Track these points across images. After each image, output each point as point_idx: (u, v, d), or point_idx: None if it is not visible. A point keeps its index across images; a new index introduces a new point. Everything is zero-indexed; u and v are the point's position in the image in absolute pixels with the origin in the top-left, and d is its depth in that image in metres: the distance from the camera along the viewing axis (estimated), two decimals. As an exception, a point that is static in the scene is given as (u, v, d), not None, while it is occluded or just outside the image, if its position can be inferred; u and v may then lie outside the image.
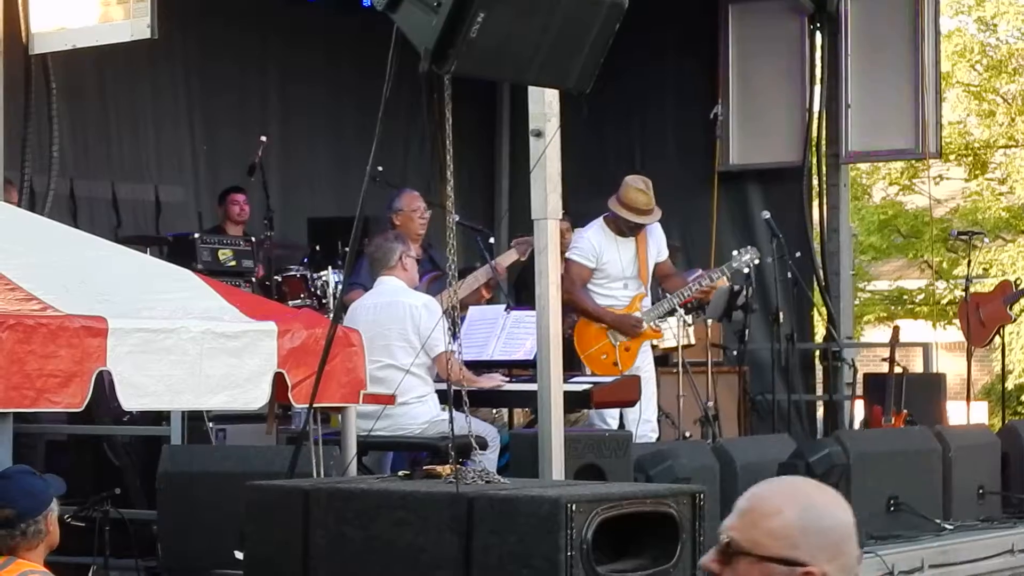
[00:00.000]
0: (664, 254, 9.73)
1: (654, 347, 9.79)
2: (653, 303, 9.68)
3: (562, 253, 10.35)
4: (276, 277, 10.57)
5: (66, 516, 6.75)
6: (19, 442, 7.84)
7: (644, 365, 9.56)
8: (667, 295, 9.70)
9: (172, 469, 7.67)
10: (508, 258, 9.94)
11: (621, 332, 9.49)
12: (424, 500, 5.79)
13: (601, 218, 9.58)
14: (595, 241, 9.50)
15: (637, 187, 9.46)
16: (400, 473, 6.48)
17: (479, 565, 5.56)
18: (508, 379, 8.87)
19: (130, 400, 5.97)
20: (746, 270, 9.97)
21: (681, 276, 9.89)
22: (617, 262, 9.49)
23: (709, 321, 10.64)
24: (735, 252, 10.04)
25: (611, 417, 9.35)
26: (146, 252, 9.29)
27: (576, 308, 9.45)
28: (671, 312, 9.67)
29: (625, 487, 6.43)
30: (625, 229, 9.50)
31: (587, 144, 12.05)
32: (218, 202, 11.42)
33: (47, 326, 5.74)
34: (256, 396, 6.37)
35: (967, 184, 24.87)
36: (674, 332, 9.78)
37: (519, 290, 11.36)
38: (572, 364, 9.17)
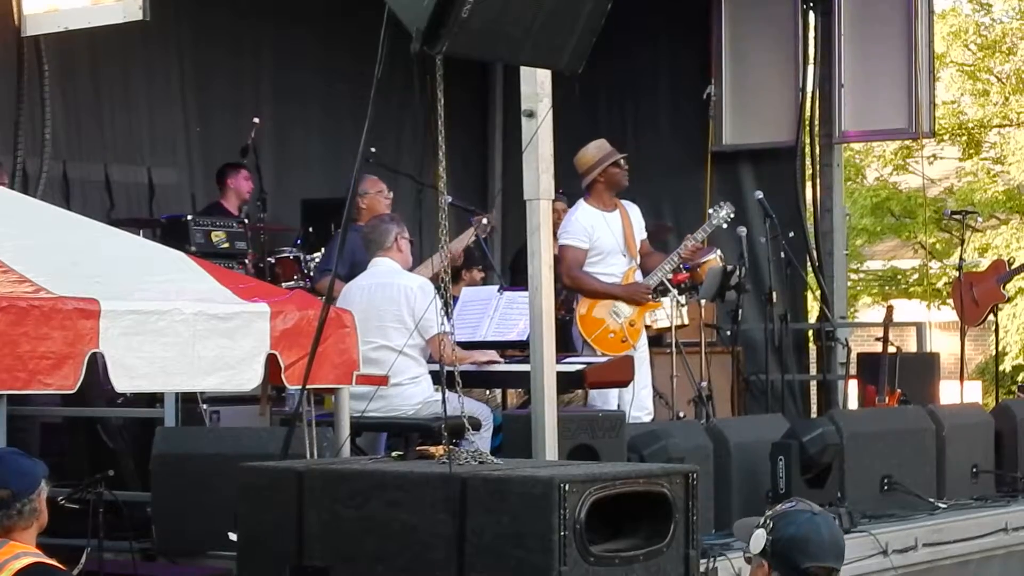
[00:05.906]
0: (643, 234, 9.71)
1: (647, 327, 9.76)
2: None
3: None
4: (269, 259, 10.57)
5: (60, 498, 6.76)
6: (14, 425, 7.86)
7: (640, 347, 9.54)
8: (655, 269, 9.65)
9: (166, 451, 7.68)
10: (461, 241, 9.88)
11: (631, 301, 9.41)
12: (417, 481, 5.80)
13: (581, 199, 9.54)
14: (584, 220, 9.44)
15: (583, 149, 9.46)
16: (393, 454, 6.49)
17: (472, 545, 5.57)
18: (502, 360, 8.87)
19: (122, 382, 5.96)
20: (725, 225, 9.94)
21: (660, 254, 9.87)
22: (609, 235, 9.44)
23: (702, 301, 10.63)
24: (710, 211, 10.01)
25: (614, 399, 9.30)
26: (139, 234, 9.28)
27: (581, 291, 9.42)
28: (664, 290, 9.63)
29: (618, 467, 6.43)
30: (611, 185, 9.40)
31: (580, 125, 12.01)
32: (219, 177, 11.27)
33: (40, 308, 5.73)
34: (249, 378, 6.37)
35: (961, 164, 24.87)
36: (668, 312, 9.76)
37: (514, 273, 11.35)
38: (566, 345, 9.15)
